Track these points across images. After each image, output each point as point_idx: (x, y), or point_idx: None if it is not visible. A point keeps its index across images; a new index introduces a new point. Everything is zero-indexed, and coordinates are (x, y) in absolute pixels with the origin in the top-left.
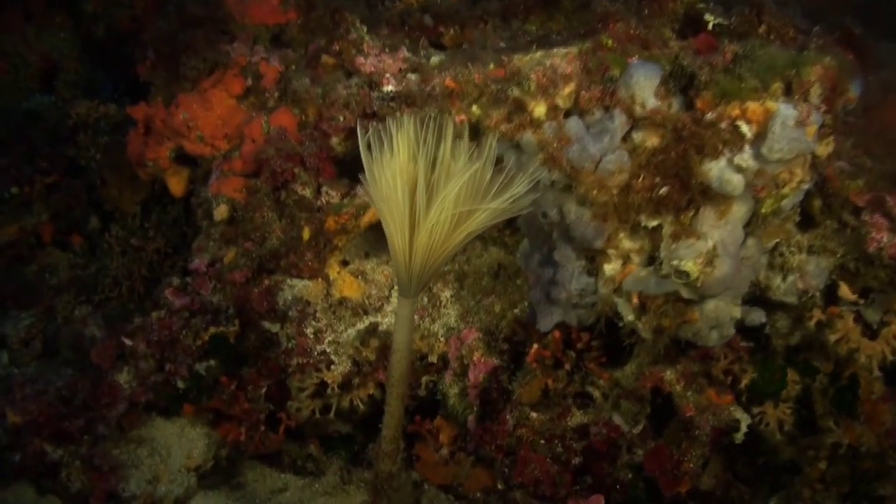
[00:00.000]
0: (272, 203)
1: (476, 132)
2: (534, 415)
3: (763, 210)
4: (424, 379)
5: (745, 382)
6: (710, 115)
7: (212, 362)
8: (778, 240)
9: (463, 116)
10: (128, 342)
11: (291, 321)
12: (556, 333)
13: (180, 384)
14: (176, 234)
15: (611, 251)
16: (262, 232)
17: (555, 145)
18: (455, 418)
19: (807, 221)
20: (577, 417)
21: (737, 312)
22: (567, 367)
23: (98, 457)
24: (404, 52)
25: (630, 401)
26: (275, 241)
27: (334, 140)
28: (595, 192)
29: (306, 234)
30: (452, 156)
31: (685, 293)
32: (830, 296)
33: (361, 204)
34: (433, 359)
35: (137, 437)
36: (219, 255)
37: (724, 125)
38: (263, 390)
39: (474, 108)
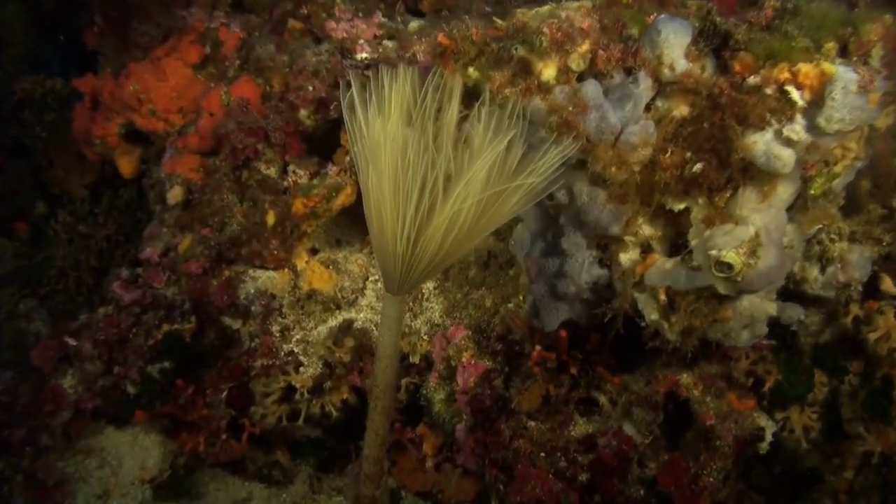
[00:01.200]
0: (233, 184)
1: (473, 98)
2: (532, 424)
3: (812, 191)
4: (405, 381)
5: (768, 385)
6: (752, 80)
7: (166, 364)
8: (820, 226)
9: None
10: (71, 342)
11: (254, 317)
12: (563, 333)
13: (131, 389)
14: (129, 219)
15: (628, 238)
16: (221, 217)
17: (569, 111)
18: (441, 426)
19: (848, 205)
20: (580, 427)
21: (772, 309)
22: (573, 370)
23: (42, 470)
24: (379, 17)
25: (643, 408)
26: (235, 227)
27: (302, 112)
28: (613, 169)
29: (271, 218)
30: (473, 123)
31: (722, 288)
32: (868, 288)
33: (333, 184)
34: (415, 359)
35: (86, 448)
36: (173, 242)
37: (770, 91)
38: (224, 394)
39: (471, 70)
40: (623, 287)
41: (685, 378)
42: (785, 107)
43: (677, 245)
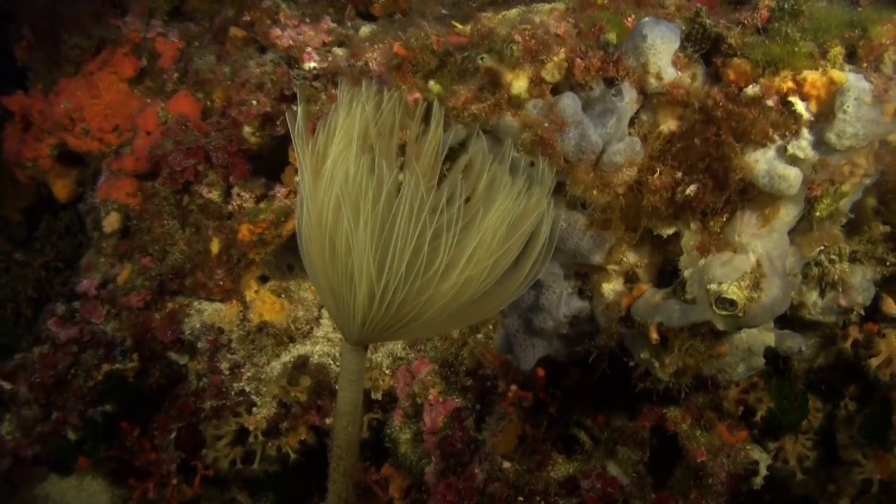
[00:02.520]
0: (173, 209)
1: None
2: (507, 465)
3: (817, 213)
4: (367, 417)
5: (760, 414)
6: (751, 90)
7: (108, 407)
8: (821, 248)
9: (417, 94)
10: (6, 385)
11: (201, 354)
12: (540, 371)
13: (71, 435)
14: (69, 244)
15: (611, 267)
16: (162, 245)
17: (544, 128)
18: (408, 468)
19: (849, 223)
20: (560, 466)
21: (770, 339)
22: (552, 410)
23: None
24: (328, 23)
25: (628, 446)
26: (178, 256)
27: (246, 129)
28: (595, 192)
29: (215, 246)
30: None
31: (721, 325)
32: (866, 309)
33: (282, 208)
34: (377, 395)
35: (30, 496)
36: (111, 273)
37: (771, 102)
38: (173, 435)
39: (432, 83)
40: (607, 322)
41: (672, 411)
42: (789, 120)
43: (664, 272)
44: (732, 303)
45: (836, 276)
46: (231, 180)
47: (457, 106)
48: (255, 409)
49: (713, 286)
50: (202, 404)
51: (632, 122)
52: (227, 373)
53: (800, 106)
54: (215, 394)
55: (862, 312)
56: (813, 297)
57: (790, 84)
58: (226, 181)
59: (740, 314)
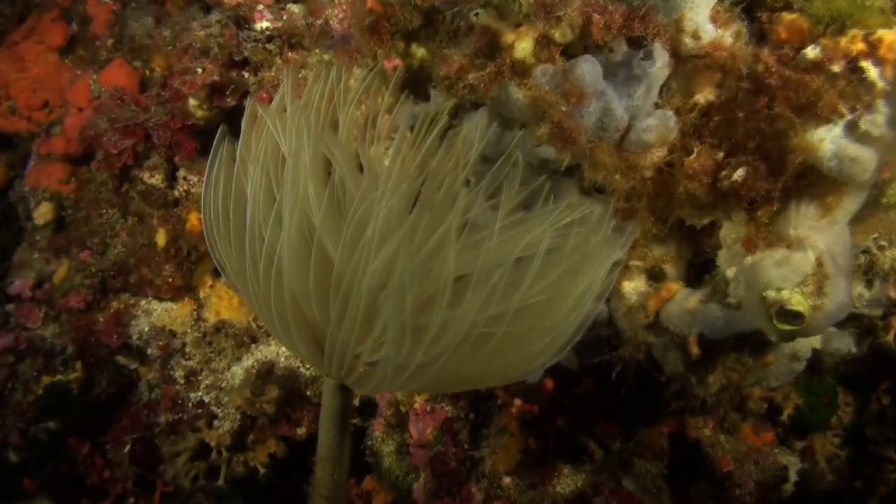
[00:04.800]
0: (112, 195)
1: (419, 86)
2: (507, 480)
3: (884, 199)
4: None
5: (787, 412)
6: (811, 53)
7: (51, 423)
8: (875, 235)
9: (397, 61)
10: None
11: (153, 361)
12: (549, 383)
13: (13, 456)
14: (5, 234)
15: (634, 263)
16: (101, 237)
17: (559, 107)
18: (393, 483)
19: None
20: (567, 479)
21: (816, 342)
22: (560, 423)
23: None
24: None
25: (646, 458)
26: (120, 250)
27: (191, 102)
28: (618, 176)
29: (161, 238)
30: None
31: (775, 337)
32: None
33: None
34: (354, 401)
35: None
36: (47, 271)
37: (837, 68)
38: (127, 448)
39: (415, 47)
40: (631, 329)
41: (692, 416)
42: (859, 90)
43: (695, 266)
44: (797, 315)
45: (887, 265)
46: (176, 161)
47: (449, 75)
48: (216, 423)
49: (771, 294)
50: (156, 418)
51: (659, 92)
52: (182, 382)
53: (873, 73)
54: (170, 407)
55: None
56: (859, 288)
57: (861, 46)
58: (170, 163)
59: (802, 325)
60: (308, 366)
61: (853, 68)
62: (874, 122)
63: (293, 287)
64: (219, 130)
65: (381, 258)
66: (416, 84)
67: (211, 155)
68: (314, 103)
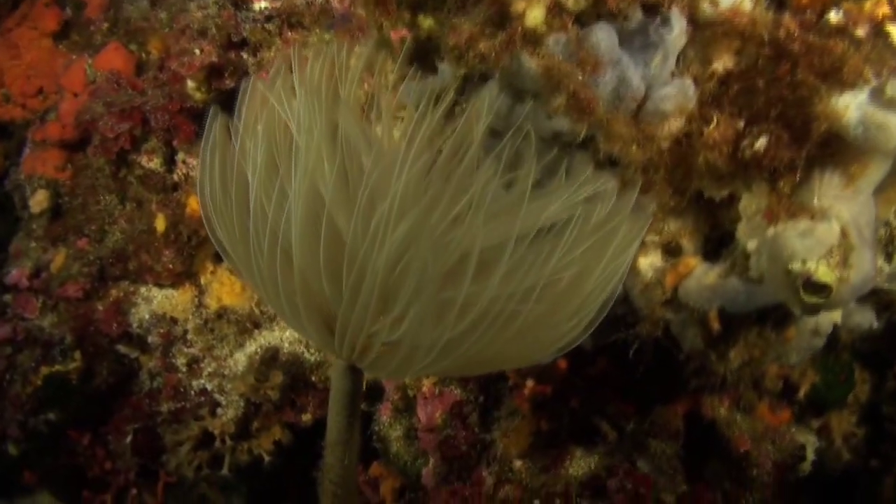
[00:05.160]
0: (110, 181)
1: (426, 59)
2: (519, 463)
3: None
4: None
5: (804, 390)
6: (833, 17)
7: (51, 414)
8: None
9: (404, 31)
10: None
11: (153, 350)
12: (562, 363)
13: (13, 449)
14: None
15: (650, 238)
16: (99, 224)
17: (575, 76)
18: (401, 468)
19: None
20: (580, 461)
21: (838, 317)
22: (574, 404)
23: None
24: None
25: (661, 439)
26: (119, 237)
27: (190, 84)
28: (634, 148)
29: (160, 223)
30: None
31: (798, 310)
32: None
33: None
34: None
35: None
36: (44, 259)
37: (861, 32)
38: (129, 439)
39: (422, 17)
40: (648, 306)
41: (708, 394)
42: (885, 55)
43: (713, 240)
44: (824, 287)
45: None
46: (175, 145)
47: (459, 44)
48: (219, 410)
49: (796, 265)
50: (158, 407)
51: (676, 61)
52: (184, 370)
53: None
54: (172, 395)
55: None
56: (879, 262)
57: (885, 9)
58: (168, 146)
59: (828, 298)
60: (313, 350)
61: (878, 32)
62: None
63: (302, 264)
64: (211, 109)
65: (401, 230)
66: (423, 56)
67: (205, 132)
68: (318, 78)
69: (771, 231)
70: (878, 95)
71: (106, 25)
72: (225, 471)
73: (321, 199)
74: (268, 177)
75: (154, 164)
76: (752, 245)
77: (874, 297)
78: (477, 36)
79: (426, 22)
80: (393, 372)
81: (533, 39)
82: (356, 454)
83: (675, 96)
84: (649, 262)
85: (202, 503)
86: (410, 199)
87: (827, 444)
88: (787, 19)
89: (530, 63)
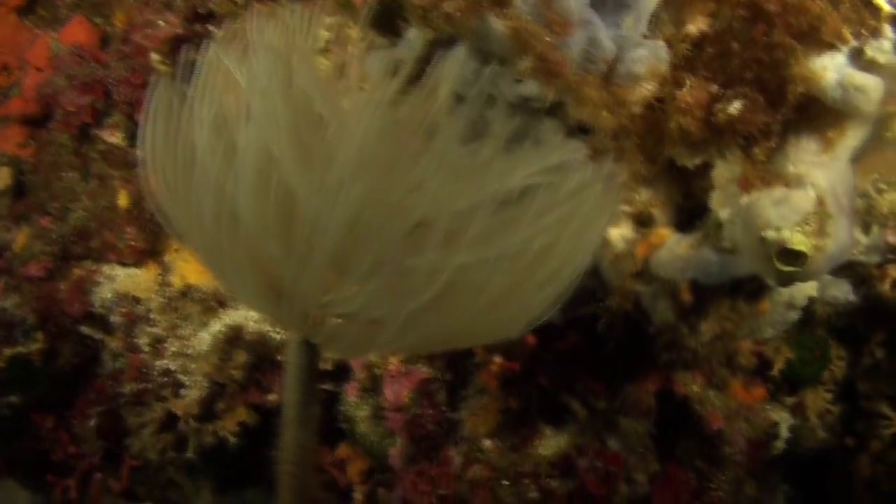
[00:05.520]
0: (72, 158)
1: (390, 22)
2: (488, 443)
3: (889, 133)
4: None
5: (778, 366)
6: None
7: (13, 397)
8: (875, 176)
9: None
10: None
11: (116, 330)
12: (531, 338)
13: None
14: None
15: (621, 207)
16: (62, 202)
17: (542, 38)
18: (368, 449)
19: None
20: (550, 440)
21: (813, 289)
22: (543, 381)
23: None
24: None
25: (632, 417)
26: (81, 214)
27: (154, 57)
28: (605, 113)
29: (123, 200)
30: None
31: (773, 281)
32: None
33: None
34: (326, 365)
35: None
36: (7, 239)
37: None
38: (93, 422)
39: None
40: (619, 278)
41: (681, 370)
42: (864, 14)
43: (685, 211)
44: (799, 255)
45: (886, 209)
46: (138, 119)
47: (424, 4)
48: (183, 391)
49: (770, 233)
50: (121, 388)
51: (648, 23)
52: (147, 350)
53: None
54: (135, 376)
55: None
56: (855, 234)
57: None
58: (131, 120)
59: (802, 267)
60: (279, 329)
61: None
62: (881, 48)
63: (250, 224)
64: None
65: (359, 187)
66: (387, 19)
67: (147, 97)
68: (274, 36)
69: (745, 199)
70: (857, 57)
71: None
72: (190, 453)
73: (273, 155)
74: (217, 137)
75: (116, 138)
76: (725, 214)
77: (850, 271)
78: None
79: None
80: (351, 348)
81: (501, 1)
82: (314, 434)
83: (648, 58)
84: (620, 233)
85: (169, 487)
86: (370, 154)
87: (801, 422)
88: None
89: (497, 24)
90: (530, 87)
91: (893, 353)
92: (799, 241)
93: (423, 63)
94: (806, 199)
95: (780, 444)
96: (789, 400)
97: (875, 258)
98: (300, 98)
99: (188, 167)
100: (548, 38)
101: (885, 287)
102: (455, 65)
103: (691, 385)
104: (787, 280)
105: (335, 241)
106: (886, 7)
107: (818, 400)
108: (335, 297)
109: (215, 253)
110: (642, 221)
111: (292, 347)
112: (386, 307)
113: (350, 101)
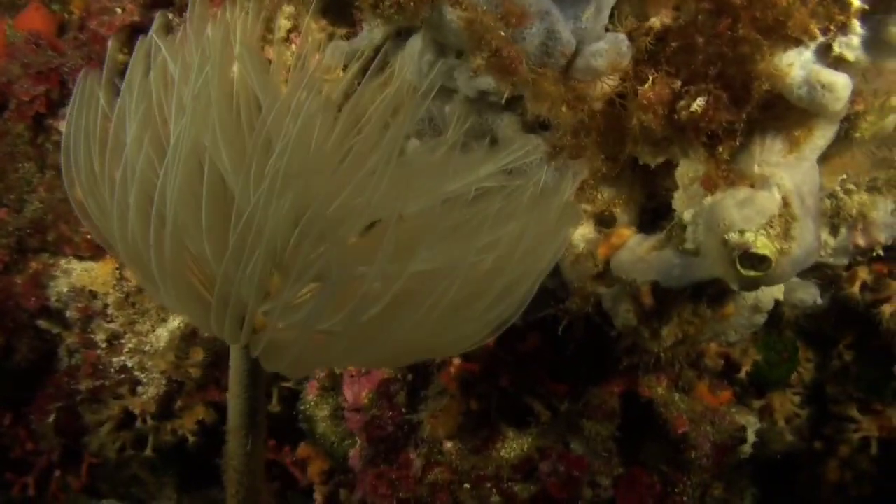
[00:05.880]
0: (28, 147)
1: (343, 10)
2: (449, 445)
3: (857, 133)
4: (276, 388)
5: (746, 369)
6: None
7: None
8: (844, 176)
9: None
10: None
11: (73, 324)
12: (489, 341)
13: None
14: None
15: (582, 207)
16: (18, 193)
17: (497, 32)
18: (328, 449)
19: None
20: (512, 443)
21: (780, 292)
22: (504, 383)
23: None
24: None
25: (596, 420)
26: (37, 206)
27: (112, 44)
28: (564, 108)
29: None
30: None
31: (736, 285)
32: None
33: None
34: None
35: None
36: None
37: None
38: (52, 418)
39: None
40: (579, 279)
41: (643, 373)
42: (833, 9)
43: (648, 211)
44: (763, 259)
45: (854, 210)
46: None
47: None
48: (140, 389)
49: (733, 236)
50: (77, 385)
51: (610, 15)
52: (103, 346)
53: None
54: (91, 373)
55: (881, 253)
56: (823, 236)
57: None
58: None
59: (767, 272)
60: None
61: None
62: (849, 44)
63: (179, 218)
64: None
65: (300, 183)
66: (340, 7)
67: (74, 91)
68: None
69: (708, 200)
70: (824, 53)
71: None
72: (149, 451)
73: (206, 148)
74: (145, 131)
75: None
76: (688, 215)
77: (818, 273)
78: None
79: None
80: (296, 364)
81: None
82: (261, 439)
83: (608, 52)
84: (581, 233)
85: (133, 483)
86: (312, 147)
87: (769, 425)
88: None
89: (452, 14)
90: (487, 81)
91: (862, 356)
92: (763, 244)
93: (382, 53)
94: (771, 201)
95: (746, 449)
96: (756, 403)
97: (843, 260)
98: (237, 90)
99: (113, 163)
100: (503, 33)
101: (854, 289)
102: (410, 58)
103: (657, 387)
104: (750, 285)
105: (275, 240)
106: (856, 2)
107: (786, 403)
108: (277, 303)
109: (140, 254)
110: (604, 221)
111: (235, 351)
112: (335, 317)
113: (290, 92)
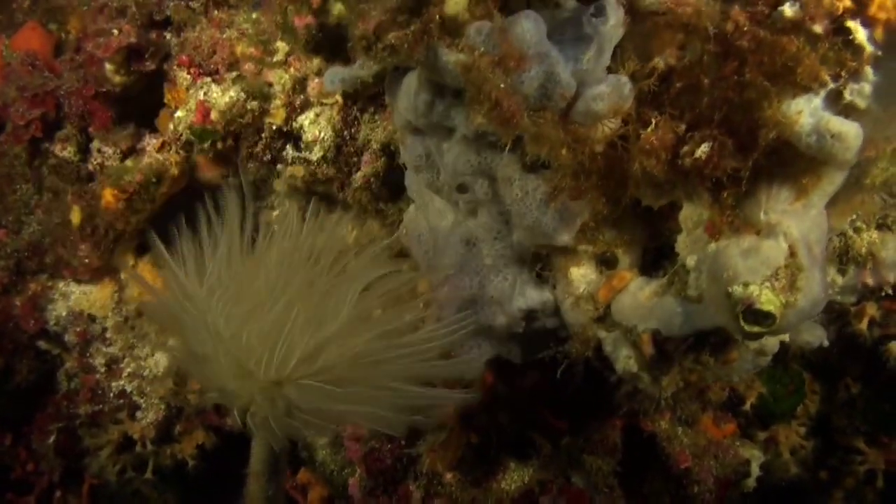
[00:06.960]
0: (26, 169)
1: (338, 47)
2: (449, 476)
3: (868, 180)
4: None
5: (750, 401)
6: (789, 10)
7: None
8: (853, 216)
9: (308, 19)
10: None
11: (71, 348)
12: (488, 377)
13: None
14: None
15: (582, 248)
16: (17, 215)
17: (496, 82)
18: (327, 477)
19: None
20: (513, 474)
21: (785, 336)
22: (503, 418)
23: None
24: None
25: (597, 454)
26: (36, 228)
27: (108, 67)
28: (564, 151)
29: (76, 216)
30: None
31: (740, 336)
32: None
33: (153, 167)
34: None
35: None
36: None
37: (819, 28)
38: (52, 438)
39: (332, 1)
40: (579, 322)
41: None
42: (844, 55)
43: (648, 249)
44: (768, 316)
45: (864, 249)
46: (91, 132)
47: (366, 34)
48: (139, 414)
49: (737, 289)
50: (76, 409)
51: (612, 55)
52: (102, 370)
53: (861, 34)
54: (90, 397)
55: (890, 292)
56: (831, 274)
57: (847, 2)
58: (83, 133)
59: (774, 326)
60: None
61: (838, 29)
62: (861, 91)
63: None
64: None
65: None
66: (335, 45)
67: None
68: None
69: (712, 247)
70: (835, 100)
71: (27, 4)
72: (148, 475)
73: None
74: None
75: (68, 152)
76: (691, 261)
77: (826, 309)
78: (387, 25)
79: (336, 7)
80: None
81: (453, 29)
82: (282, 485)
83: (609, 95)
84: (582, 274)
85: (136, 499)
86: None
87: (774, 457)
88: (736, 11)
89: (448, 57)
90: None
91: (869, 388)
92: (767, 299)
93: (380, 81)
94: (777, 251)
95: (751, 483)
96: (761, 435)
97: (850, 299)
98: None
99: None
100: (502, 84)
101: (862, 325)
102: (403, 95)
103: (659, 421)
104: (754, 337)
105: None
106: (869, 47)
107: (791, 435)
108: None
109: None
110: (606, 262)
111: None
112: None
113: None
